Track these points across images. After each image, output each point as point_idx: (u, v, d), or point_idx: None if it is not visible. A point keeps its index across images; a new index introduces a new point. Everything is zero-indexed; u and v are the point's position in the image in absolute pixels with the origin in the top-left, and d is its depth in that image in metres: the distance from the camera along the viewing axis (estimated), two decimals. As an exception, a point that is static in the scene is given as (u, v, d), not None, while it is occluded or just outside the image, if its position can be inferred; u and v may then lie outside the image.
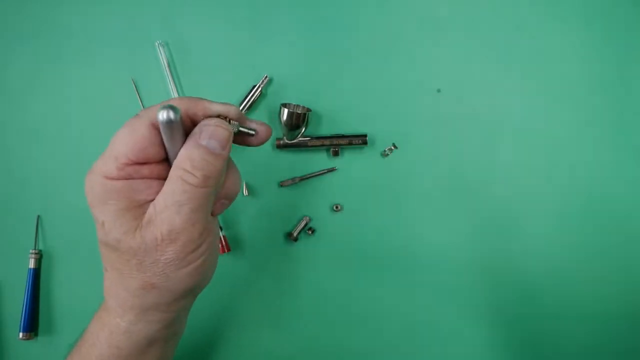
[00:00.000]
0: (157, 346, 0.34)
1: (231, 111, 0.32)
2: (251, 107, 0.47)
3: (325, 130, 0.48)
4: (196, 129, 0.31)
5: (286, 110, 0.45)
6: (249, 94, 0.47)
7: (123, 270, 0.31)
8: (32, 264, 0.47)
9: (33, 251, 0.47)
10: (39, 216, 0.48)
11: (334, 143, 0.47)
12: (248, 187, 0.48)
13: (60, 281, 0.48)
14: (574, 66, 0.48)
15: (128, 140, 0.30)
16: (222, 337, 0.48)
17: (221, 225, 0.47)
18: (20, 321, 0.47)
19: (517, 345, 0.47)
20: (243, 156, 0.48)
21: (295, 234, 0.47)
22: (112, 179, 0.30)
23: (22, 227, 0.48)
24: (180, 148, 0.30)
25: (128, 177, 0.30)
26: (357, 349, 0.47)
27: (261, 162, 0.48)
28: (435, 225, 0.48)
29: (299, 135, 0.47)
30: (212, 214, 0.34)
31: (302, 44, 0.48)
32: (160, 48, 0.48)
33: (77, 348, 0.35)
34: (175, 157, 0.30)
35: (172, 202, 0.29)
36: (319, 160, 0.48)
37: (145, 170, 0.31)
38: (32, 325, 0.47)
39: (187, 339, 0.47)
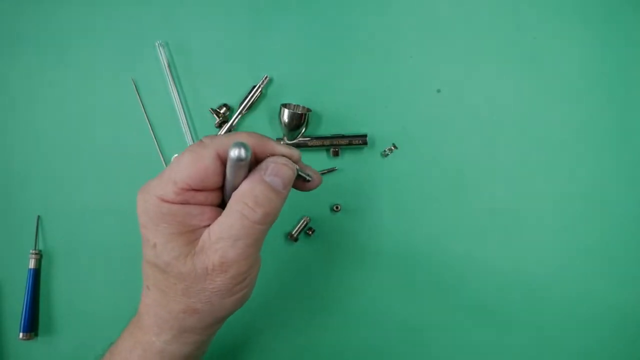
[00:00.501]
0: None
1: (294, 155, 0.33)
2: (251, 107, 0.47)
3: (325, 130, 0.48)
4: (262, 165, 0.31)
5: (286, 111, 0.45)
6: (249, 94, 0.47)
7: (168, 293, 0.31)
8: (32, 264, 0.47)
9: (33, 251, 0.47)
10: (39, 216, 0.48)
11: (334, 143, 0.47)
12: (248, 187, 0.48)
13: (60, 281, 0.48)
14: (574, 66, 0.48)
15: (191, 167, 0.29)
16: (221, 337, 0.48)
17: (221, 225, 0.47)
18: (21, 321, 0.47)
19: (517, 345, 0.47)
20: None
21: (295, 234, 0.47)
22: (168, 202, 0.30)
23: (22, 227, 0.48)
24: (240, 182, 0.30)
25: (184, 202, 0.30)
26: (357, 348, 0.47)
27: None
28: (435, 225, 0.48)
29: (299, 136, 0.47)
30: None
31: (302, 44, 0.48)
32: (160, 48, 0.48)
33: None
34: (233, 189, 0.30)
35: (229, 235, 0.29)
36: (319, 160, 0.48)
37: (201, 196, 0.31)
38: (32, 325, 0.47)
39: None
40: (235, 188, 0.30)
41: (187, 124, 0.48)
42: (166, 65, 0.48)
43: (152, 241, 0.30)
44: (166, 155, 0.48)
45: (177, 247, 0.30)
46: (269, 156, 0.32)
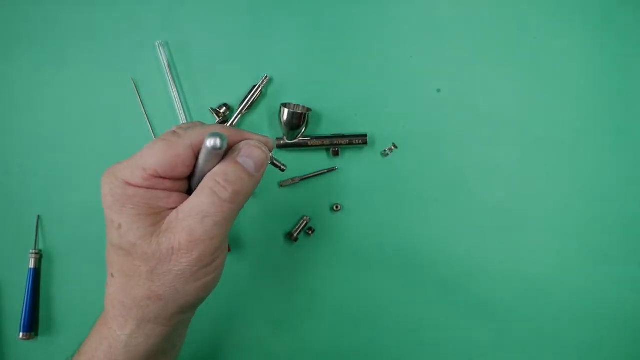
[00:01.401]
0: (156, 358, 0.34)
1: (269, 142, 0.34)
2: (251, 107, 0.47)
3: (325, 130, 0.48)
4: (235, 147, 0.32)
5: (286, 110, 0.45)
6: (249, 94, 0.47)
7: (132, 277, 0.31)
8: (32, 264, 0.47)
9: (33, 251, 0.47)
10: (39, 216, 0.48)
11: (334, 143, 0.47)
12: (248, 187, 0.48)
13: (60, 281, 0.48)
14: (574, 66, 0.48)
15: (163, 156, 0.30)
16: (221, 336, 0.48)
17: (221, 225, 0.47)
18: (20, 321, 0.47)
19: (517, 344, 0.47)
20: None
21: (295, 234, 0.47)
22: (135, 186, 0.30)
23: (22, 227, 0.48)
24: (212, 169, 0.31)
25: (151, 187, 0.30)
26: (357, 348, 0.47)
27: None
28: (436, 225, 0.48)
29: (299, 135, 0.47)
30: None
31: (302, 44, 0.48)
32: (160, 48, 0.48)
33: None
34: (203, 176, 0.31)
35: (198, 212, 0.29)
36: (319, 160, 0.48)
37: (168, 183, 0.31)
38: (32, 325, 0.47)
39: (187, 338, 0.47)
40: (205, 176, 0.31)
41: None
42: (166, 65, 0.48)
43: (117, 222, 0.30)
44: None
45: (142, 227, 0.30)
46: (241, 142, 0.32)
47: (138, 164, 0.30)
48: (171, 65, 0.48)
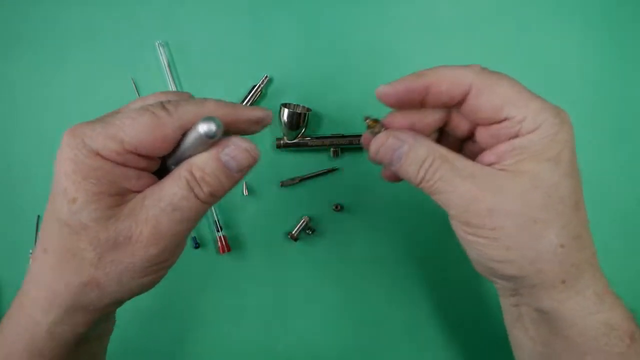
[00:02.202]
0: (83, 347, 0.31)
1: (267, 119, 0.31)
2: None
3: (325, 130, 0.48)
4: (224, 141, 0.28)
5: (286, 110, 0.45)
6: (249, 94, 0.47)
7: (71, 260, 0.27)
8: (32, 264, 0.47)
9: (33, 251, 0.47)
10: (39, 216, 0.48)
11: (334, 143, 0.47)
12: (248, 187, 0.48)
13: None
14: (574, 66, 0.48)
15: (148, 133, 0.26)
16: (222, 336, 0.48)
17: (221, 225, 0.47)
18: (20, 321, 0.47)
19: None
20: (243, 156, 0.48)
21: (295, 234, 0.47)
22: (104, 158, 0.26)
23: (22, 227, 0.48)
24: (194, 154, 0.28)
25: (122, 163, 0.27)
26: (357, 348, 0.47)
27: (261, 162, 0.48)
28: (436, 224, 0.48)
29: (299, 135, 0.47)
30: None
31: (302, 44, 0.48)
32: (160, 48, 0.48)
33: None
34: (182, 159, 0.28)
35: (168, 203, 0.26)
36: (319, 160, 0.48)
37: (143, 162, 0.28)
38: (32, 325, 0.47)
39: (188, 337, 0.47)
40: (186, 159, 0.28)
41: (187, 123, 0.48)
42: (166, 65, 0.48)
43: (72, 195, 0.26)
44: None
45: (100, 208, 0.26)
46: (231, 136, 0.28)
47: (116, 135, 0.26)
48: (171, 65, 0.48)
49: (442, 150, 0.29)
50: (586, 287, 0.29)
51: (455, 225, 0.30)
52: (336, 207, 0.47)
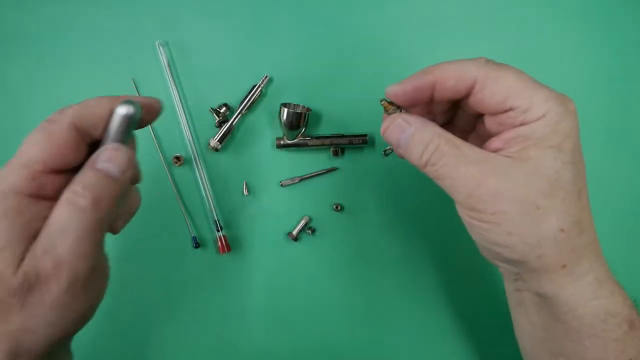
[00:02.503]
0: None
1: (152, 103, 0.31)
2: (251, 106, 0.47)
3: (325, 130, 0.48)
4: (96, 153, 0.28)
5: (286, 110, 0.45)
6: (249, 93, 0.47)
7: (1, 311, 0.26)
8: (32, 264, 0.47)
9: None
10: (39, 216, 0.48)
11: (334, 143, 0.47)
12: (248, 187, 0.48)
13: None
14: (574, 66, 0.48)
15: (44, 143, 0.26)
16: (221, 336, 0.48)
17: (221, 225, 0.47)
18: (20, 321, 0.47)
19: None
20: (243, 155, 0.48)
21: (295, 234, 0.47)
22: (19, 193, 0.26)
23: (22, 227, 0.48)
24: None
25: (39, 190, 0.27)
26: (357, 348, 0.47)
27: (261, 162, 0.48)
28: (437, 224, 0.47)
29: (299, 135, 0.47)
30: (114, 232, 0.31)
31: (302, 43, 0.48)
32: (160, 48, 0.48)
33: None
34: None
35: (56, 228, 0.26)
36: (319, 160, 0.48)
37: (58, 180, 0.27)
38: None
39: (186, 337, 0.47)
40: None
41: (187, 123, 0.48)
42: (166, 65, 0.48)
43: None
44: (166, 154, 0.48)
45: (10, 255, 0.25)
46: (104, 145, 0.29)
47: (21, 162, 0.26)
48: (171, 65, 0.48)
49: (448, 136, 0.30)
50: (587, 272, 0.30)
51: (460, 211, 0.31)
52: (336, 207, 0.47)
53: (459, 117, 0.35)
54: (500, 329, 0.47)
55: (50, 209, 0.27)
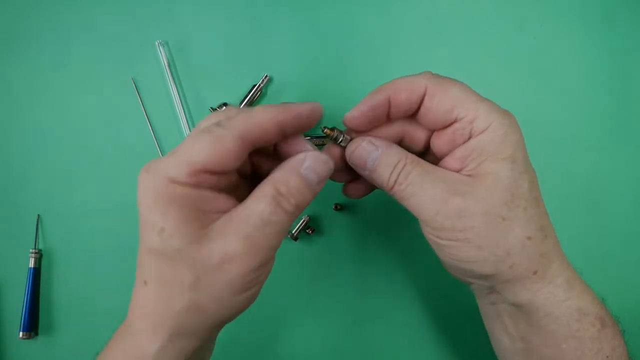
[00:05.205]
0: None
1: (316, 113, 0.31)
2: (251, 106, 0.47)
3: (325, 130, 0.48)
4: (300, 156, 0.30)
5: (286, 110, 0.45)
6: (249, 93, 0.47)
7: (171, 287, 0.28)
8: (32, 263, 0.47)
9: (33, 250, 0.47)
10: (38, 216, 0.48)
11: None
12: (248, 187, 0.48)
13: (60, 281, 0.48)
14: (574, 66, 0.48)
15: (211, 149, 0.27)
16: (221, 336, 0.48)
17: (221, 224, 0.47)
18: (21, 320, 0.47)
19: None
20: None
21: (295, 234, 0.47)
22: (180, 183, 0.27)
23: (22, 227, 0.48)
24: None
25: (197, 185, 0.28)
26: (358, 348, 0.47)
27: (261, 161, 0.48)
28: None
29: (299, 135, 0.47)
30: None
31: (302, 43, 0.48)
32: (160, 48, 0.48)
33: None
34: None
35: (259, 220, 0.27)
36: (319, 160, 0.48)
37: (215, 179, 0.29)
38: (32, 324, 0.47)
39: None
40: None
41: (187, 123, 0.48)
42: (166, 64, 0.48)
43: (160, 225, 0.27)
44: (166, 154, 0.48)
45: (190, 231, 0.27)
46: (306, 150, 0.31)
47: (184, 158, 0.27)
48: (171, 65, 0.48)
49: (413, 156, 0.32)
50: (556, 275, 0.31)
51: (427, 231, 0.32)
52: (336, 207, 0.47)
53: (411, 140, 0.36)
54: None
55: (212, 194, 0.28)
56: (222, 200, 0.29)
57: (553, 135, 0.47)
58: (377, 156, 0.32)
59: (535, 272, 0.30)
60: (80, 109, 0.49)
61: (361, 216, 0.48)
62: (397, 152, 0.32)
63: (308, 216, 0.47)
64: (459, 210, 0.29)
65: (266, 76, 0.47)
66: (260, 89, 0.47)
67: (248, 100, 0.47)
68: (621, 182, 0.47)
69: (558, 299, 0.31)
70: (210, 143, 0.27)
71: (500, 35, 0.48)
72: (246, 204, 0.28)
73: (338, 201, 0.48)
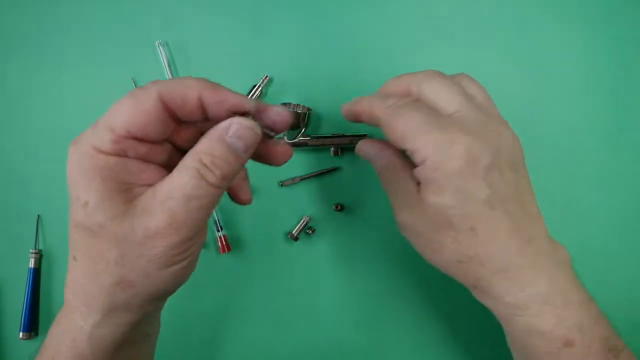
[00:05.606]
0: (127, 349, 0.31)
1: (248, 105, 0.29)
2: (251, 106, 0.47)
3: (326, 130, 0.48)
4: (224, 123, 0.28)
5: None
6: (249, 93, 0.47)
7: (99, 262, 0.27)
8: (32, 263, 0.47)
9: (33, 251, 0.47)
10: (39, 216, 0.48)
11: (335, 142, 0.47)
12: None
13: (60, 281, 0.48)
14: (574, 66, 0.48)
15: (131, 111, 0.27)
16: (221, 336, 0.48)
17: (221, 225, 0.47)
18: (21, 321, 0.47)
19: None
20: (243, 156, 0.48)
21: (295, 234, 0.47)
22: (104, 153, 0.27)
23: (22, 227, 0.48)
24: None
25: (122, 153, 0.27)
26: (357, 348, 0.47)
27: (261, 161, 0.48)
28: (436, 225, 0.48)
29: (299, 135, 0.47)
30: (244, 203, 0.35)
31: (302, 44, 0.48)
32: (160, 48, 0.48)
33: None
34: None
35: (182, 194, 0.26)
36: (320, 159, 0.48)
37: (142, 148, 0.28)
38: (32, 324, 0.47)
39: (186, 337, 0.47)
40: None
41: (187, 123, 0.48)
42: (166, 64, 0.48)
43: (83, 199, 0.27)
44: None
45: (113, 206, 0.26)
46: (231, 114, 0.29)
47: (105, 124, 0.27)
48: (171, 64, 0.48)
49: (396, 164, 0.35)
50: (503, 295, 0.31)
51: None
52: (336, 207, 0.47)
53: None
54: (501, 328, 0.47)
55: (138, 166, 0.28)
56: (151, 172, 0.29)
57: (553, 135, 0.47)
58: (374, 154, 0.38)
59: (475, 288, 0.33)
60: (81, 109, 0.49)
61: (361, 216, 0.48)
62: (385, 157, 0.36)
63: (308, 216, 0.47)
64: (403, 223, 0.33)
65: (266, 76, 0.47)
66: (261, 89, 0.47)
67: (248, 100, 0.47)
68: (621, 182, 0.47)
69: (511, 313, 0.32)
70: (130, 105, 0.27)
71: (501, 36, 0.48)
72: (170, 178, 0.27)
73: (338, 201, 0.48)
